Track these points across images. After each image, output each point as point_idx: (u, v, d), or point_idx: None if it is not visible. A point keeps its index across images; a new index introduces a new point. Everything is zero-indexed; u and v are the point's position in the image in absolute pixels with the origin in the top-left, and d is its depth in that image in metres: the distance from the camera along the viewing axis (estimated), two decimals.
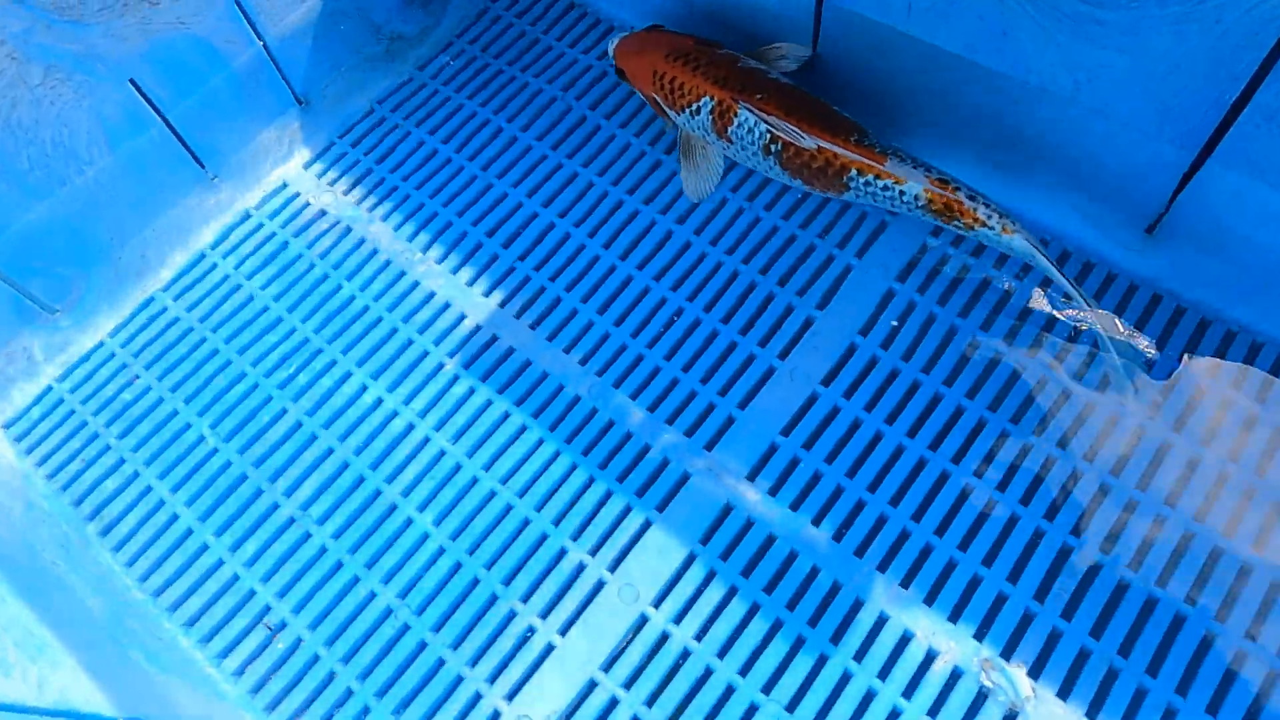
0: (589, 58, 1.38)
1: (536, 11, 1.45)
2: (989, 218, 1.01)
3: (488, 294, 1.21)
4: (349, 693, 0.99)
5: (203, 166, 1.27)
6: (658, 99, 1.19)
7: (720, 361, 1.13)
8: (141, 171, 1.20)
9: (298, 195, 1.32)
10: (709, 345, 1.14)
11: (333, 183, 1.32)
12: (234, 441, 1.14)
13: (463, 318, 1.20)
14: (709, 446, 1.08)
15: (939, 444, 1.04)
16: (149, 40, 1.12)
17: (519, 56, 1.40)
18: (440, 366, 1.17)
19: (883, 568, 0.99)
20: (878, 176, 1.04)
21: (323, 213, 1.30)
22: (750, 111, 1.08)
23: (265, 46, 1.25)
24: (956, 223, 1.03)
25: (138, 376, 1.20)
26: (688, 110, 1.15)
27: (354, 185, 1.32)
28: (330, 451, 1.12)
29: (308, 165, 1.34)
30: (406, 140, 1.34)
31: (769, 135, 1.08)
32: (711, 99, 1.11)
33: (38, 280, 1.16)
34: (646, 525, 1.04)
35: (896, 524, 1.01)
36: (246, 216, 1.31)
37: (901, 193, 1.04)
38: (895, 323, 1.12)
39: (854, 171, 1.05)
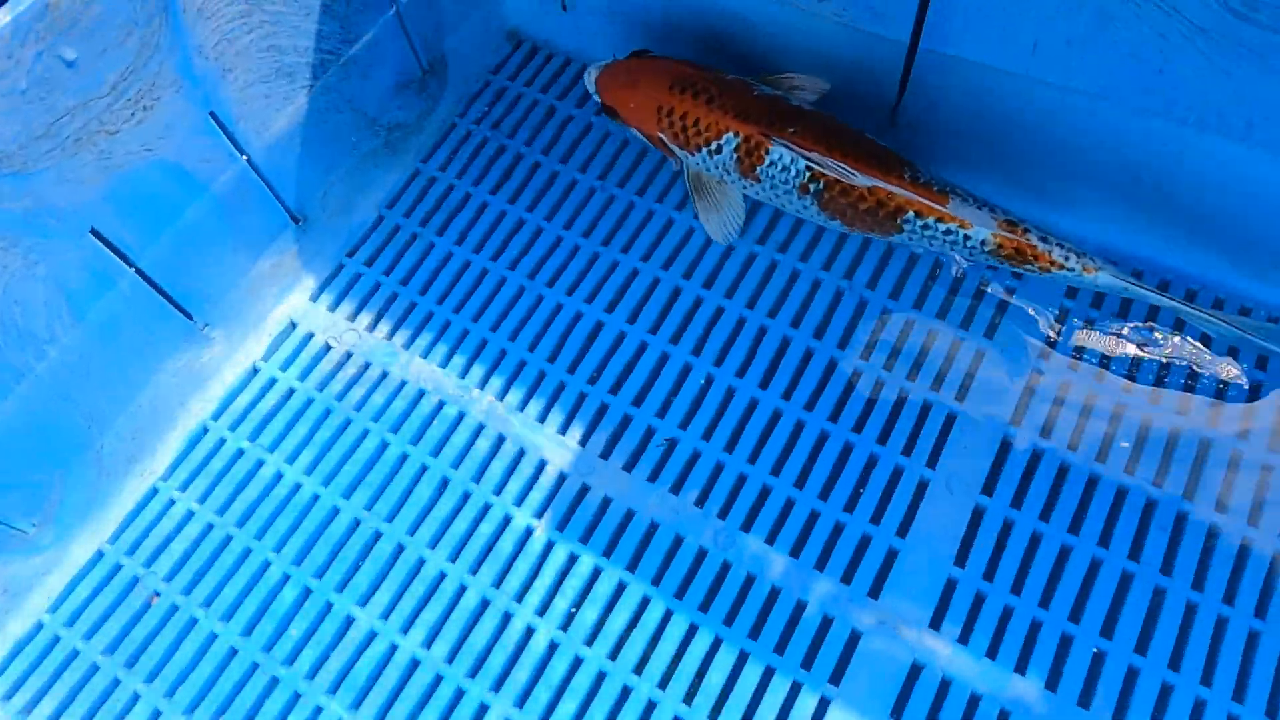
0: (609, 122, 1.17)
1: (544, 77, 1.24)
2: (1066, 259, 0.90)
3: (564, 431, 1.00)
4: None
5: (190, 318, 1.02)
6: (664, 138, 1.01)
7: (862, 481, 0.95)
8: (117, 338, 0.94)
9: (311, 336, 1.07)
10: (844, 462, 0.96)
11: (352, 315, 1.08)
12: (275, 652, 0.90)
13: (543, 465, 0.98)
14: (874, 593, 0.89)
15: (1139, 550, 0.89)
16: (109, 177, 0.87)
17: (532, 132, 1.18)
18: (529, 532, 0.95)
19: (1119, 716, 0.82)
20: (940, 220, 0.92)
21: (347, 354, 1.06)
22: (787, 148, 0.93)
23: (249, 161, 1.01)
24: (1029, 267, 0.92)
25: (157, 594, 0.94)
26: (704, 149, 0.98)
27: (376, 314, 1.08)
28: (416, 664, 0.90)
29: (316, 296, 1.10)
30: (425, 249, 1.11)
31: (809, 174, 0.93)
32: (736, 135, 0.96)
33: (4, 496, 0.90)
34: (824, 705, 0.85)
35: (1118, 661, 0.84)
36: (253, 372, 1.06)
37: (966, 237, 0.92)
38: (1051, 405, 0.96)
39: (911, 214, 0.92)
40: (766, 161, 0.96)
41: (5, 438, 0.87)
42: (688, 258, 1.08)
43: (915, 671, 0.86)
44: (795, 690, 0.86)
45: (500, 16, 1.25)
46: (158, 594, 0.94)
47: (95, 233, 0.88)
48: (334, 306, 1.09)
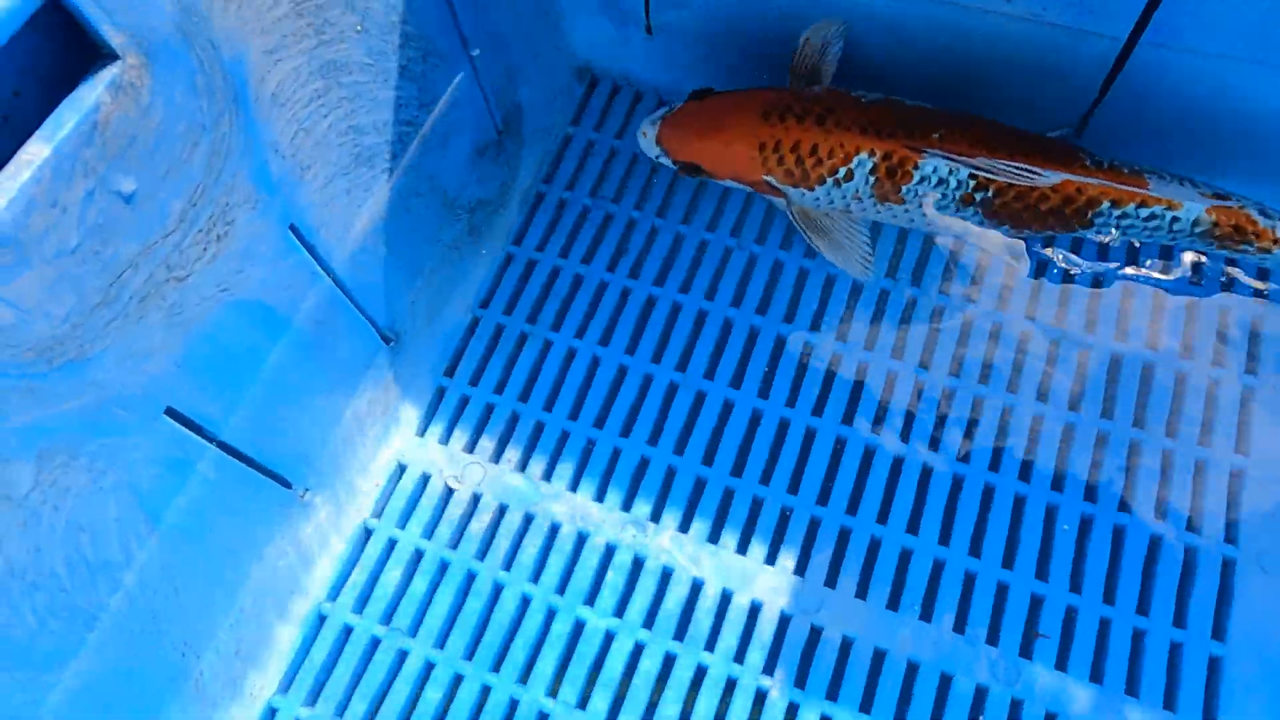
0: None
1: (622, 116, 1.03)
2: None
3: (772, 560, 0.80)
4: None
5: (288, 484, 0.79)
6: (773, 180, 0.83)
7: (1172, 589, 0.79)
8: (203, 534, 0.71)
9: (428, 479, 0.85)
10: (1122, 561, 0.79)
11: (469, 445, 0.87)
12: None
13: (757, 607, 0.79)
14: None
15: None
16: (183, 338, 0.64)
17: (637, 189, 0.98)
18: (762, 695, 0.76)
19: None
20: (1142, 204, 0.79)
21: (475, 497, 0.84)
22: (943, 158, 0.79)
23: (334, 279, 0.78)
24: (1246, 246, 0.80)
25: None
26: (829, 180, 0.81)
27: (499, 440, 0.87)
28: None
29: (423, 430, 0.88)
30: (539, 351, 0.90)
31: (973, 182, 0.79)
32: (871, 155, 0.80)
33: None
34: None
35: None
36: (366, 535, 0.83)
37: (1175, 219, 0.80)
38: None
39: (1106, 204, 0.79)
40: (916, 178, 0.80)
41: (80, 699, 0.63)
42: (857, 314, 0.89)
43: None
44: None
45: (569, 50, 1.04)
46: None
47: (172, 412, 0.65)
48: (446, 438, 0.87)
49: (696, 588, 0.80)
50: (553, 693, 0.76)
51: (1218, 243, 0.80)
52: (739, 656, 0.77)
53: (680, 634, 0.78)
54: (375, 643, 0.78)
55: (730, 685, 0.76)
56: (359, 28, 0.70)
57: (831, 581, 0.79)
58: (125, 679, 0.66)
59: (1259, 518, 0.78)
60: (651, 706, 0.75)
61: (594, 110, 1.03)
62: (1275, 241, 0.79)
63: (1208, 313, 0.87)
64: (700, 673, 0.76)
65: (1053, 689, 0.74)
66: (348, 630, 0.79)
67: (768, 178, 0.83)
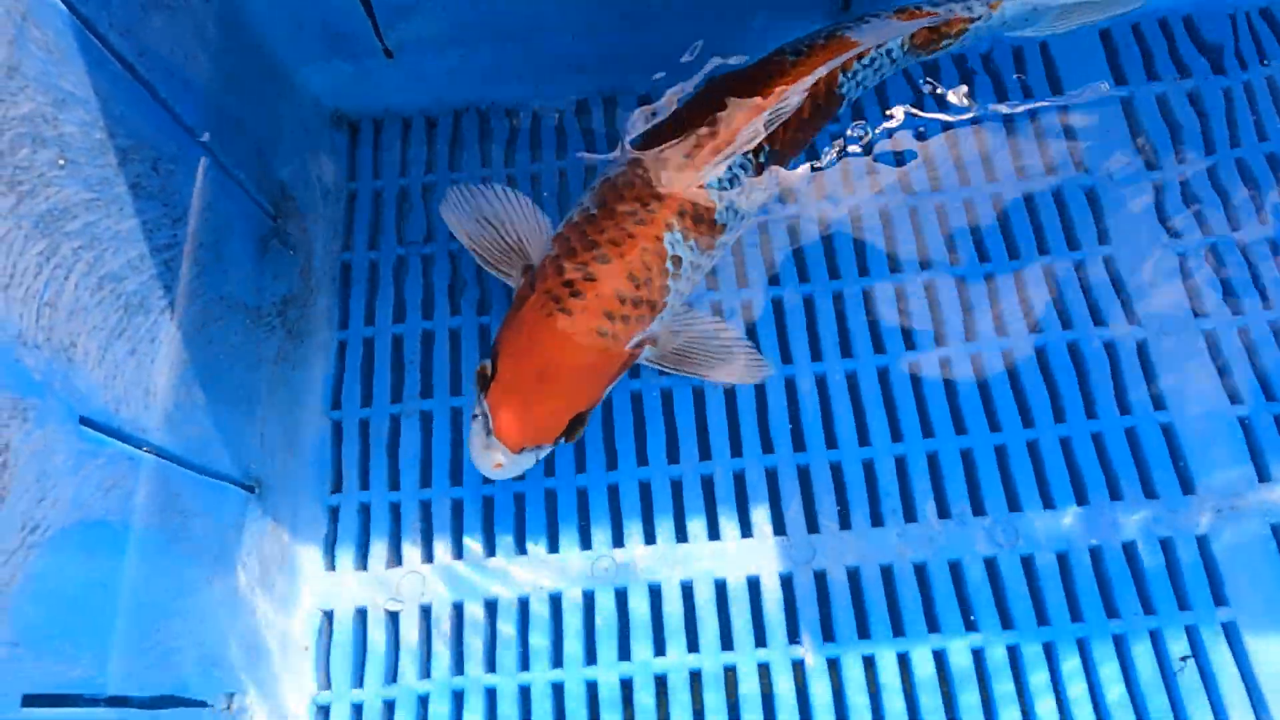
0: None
1: (399, 153, 0.93)
2: (970, 9, 0.83)
3: (748, 533, 0.76)
4: None
5: (204, 705, 0.66)
6: (636, 338, 0.72)
7: None
8: None
9: (365, 614, 0.74)
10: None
11: (392, 558, 0.77)
12: None
13: (755, 582, 0.74)
14: None
15: None
16: (4, 612, 0.50)
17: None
18: (799, 664, 0.71)
19: None
20: (859, 57, 0.81)
21: (425, 610, 0.74)
22: (720, 163, 0.74)
23: (159, 454, 0.65)
24: (947, 43, 0.84)
25: None
26: (667, 282, 0.73)
27: (421, 539, 0.77)
28: None
29: (333, 564, 0.77)
30: (418, 429, 0.81)
31: (751, 156, 0.77)
32: (670, 228, 0.72)
33: None
34: None
35: None
36: (325, 715, 0.71)
37: (889, 51, 0.82)
38: None
39: (841, 77, 0.80)
40: (719, 201, 0.74)
41: None
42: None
43: None
44: None
45: (314, 102, 0.93)
46: None
47: (34, 699, 0.51)
48: (363, 561, 0.77)
49: (688, 591, 0.74)
50: None
51: (926, 51, 0.84)
52: (760, 640, 0.72)
53: (693, 644, 0.72)
54: None
55: (764, 670, 0.71)
56: (61, 162, 0.57)
57: (813, 526, 0.75)
58: None
59: (1150, 299, 0.81)
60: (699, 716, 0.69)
61: (365, 157, 0.93)
62: (964, 23, 0.82)
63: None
64: (730, 672, 0.71)
65: (1050, 529, 0.74)
66: None
67: (631, 344, 0.71)
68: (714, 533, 0.76)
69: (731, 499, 0.77)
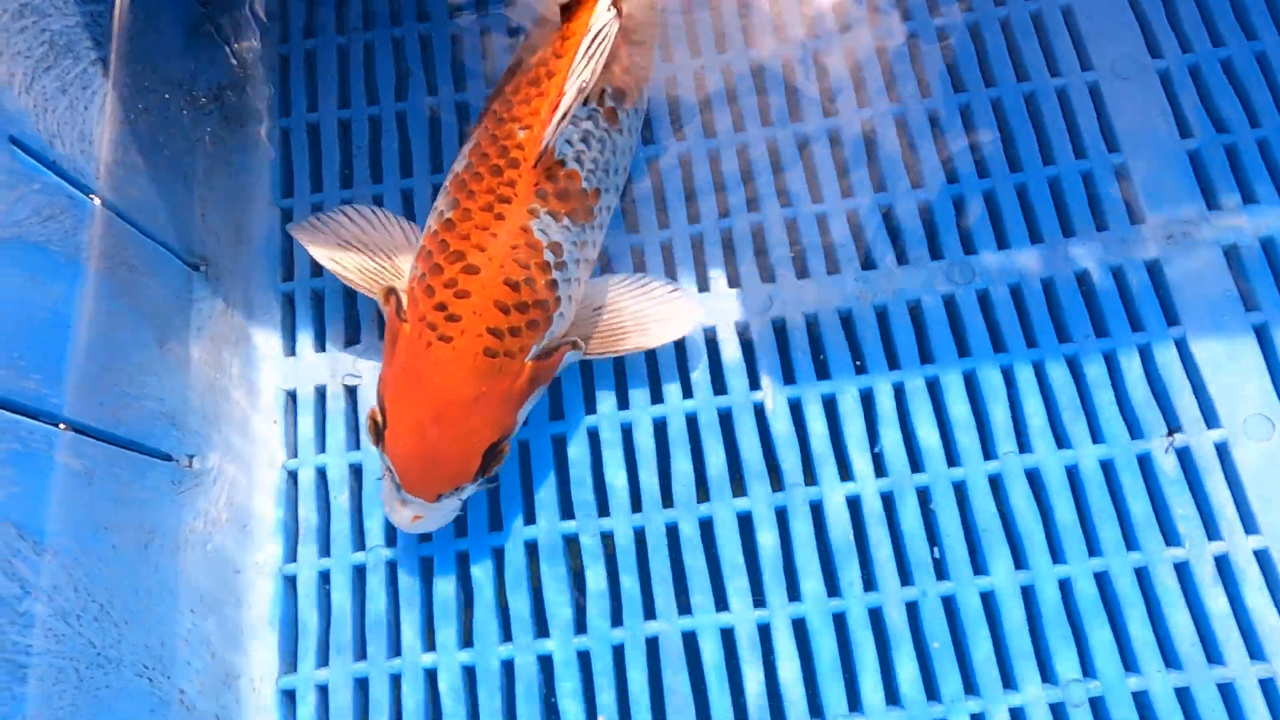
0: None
1: None
2: None
3: (705, 288, 0.77)
4: None
5: (169, 459, 0.67)
6: (537, 348, 0.65)
7: None
8: (103, 539, 0.59)
9: (323, 392, 0.76)
10: None
11: (350, 337, 0.78)
12: None
13: (711, 334, 0.76)
14: None
15: None
16: None
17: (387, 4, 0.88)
18: (759, 408, 0.73)
19: None
20: None
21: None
22: (555, 129, 0.65)
23: (101, 200, 0.65)
24: None
25: None
26: (550, 280, 0.66)
27: (377, 319, 0.78)
28: None
29: (293, 348, 0.78)
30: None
31: (596, 106, 0.69)
32: (533, 213, 0.66)
33: None
34: None
35: None
36: (293, 478, 0.73)
37: None
38: None
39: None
40: (578, 171, 0.67)
41: None
42: None
43: None
44: None
45: None
46: None
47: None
48: (320, 344, 0.78)
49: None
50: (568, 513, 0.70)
51: None
52: (720, 388, 0.74)
53: (657, 397, 0.73)
54: (362, 575, 0.69)
55: (725, 418, 0.73)
56: None
57: (767, 277, 0.77)
58: None
59: (1098, 35, 0.82)
60: (665, 477, 0.71)
61: None
62: None
63: None
64: (691, 419, 0.73)
65: (1005, 266, 0.76)
66: (325, 575, 0.70)
67: (532, 356, 0.64)
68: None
69: (689, 259, 0.78)
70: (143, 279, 0.68)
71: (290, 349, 0.77)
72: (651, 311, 0.70)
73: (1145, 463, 0.69)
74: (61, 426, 0.57)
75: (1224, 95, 0.79)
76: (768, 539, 0.69)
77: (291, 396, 0.76)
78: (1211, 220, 0.75)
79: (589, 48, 0.64)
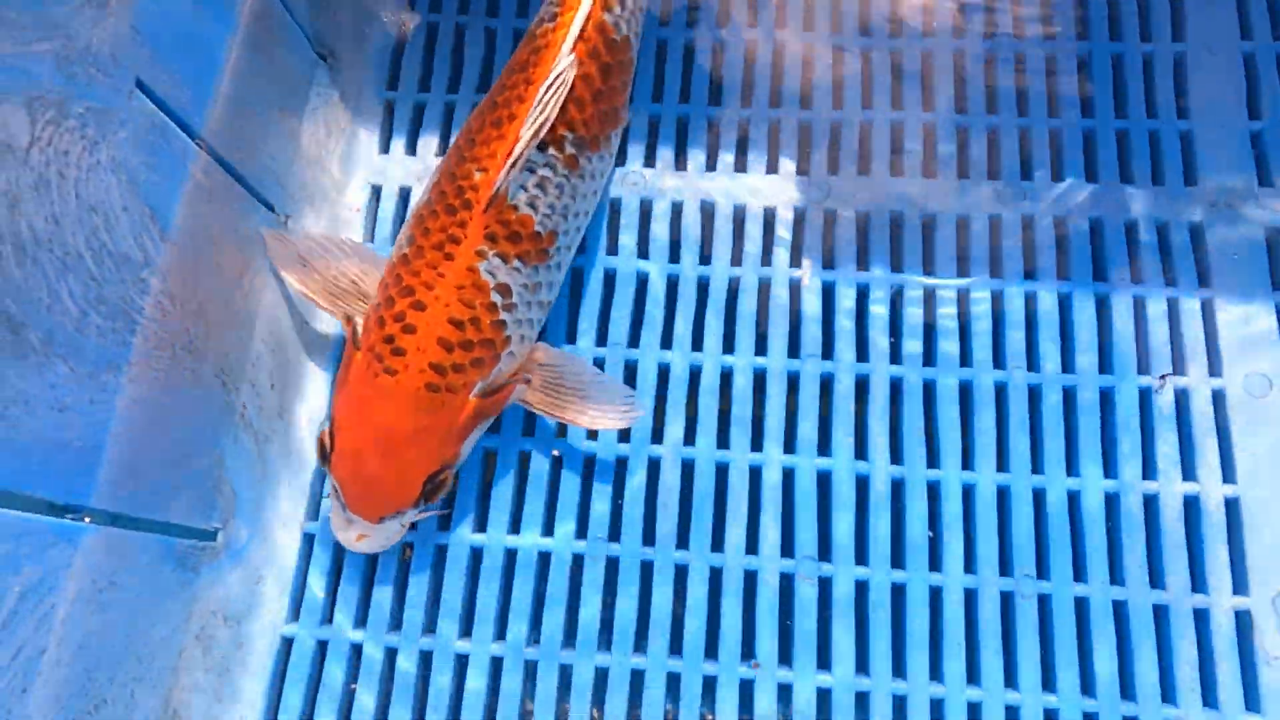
0: None
1: None
2: None
3: (774, 169, 0.84)
4: None
5: (271, 209, 0.76)
6: (481, 385, 0.68)
7: None
8: (210, 253, 0.69)
9: (408, 194, 0.84)
10: None
11: (441, 150, 0.86)
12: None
13: (771, 212, 0.83)
14: None
15: None
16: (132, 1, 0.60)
17: None
18: (795, 284, 0.80)
19: None
20: (606, 7, 0.73)
21: None
22: (508, 173, 0.67)
23: None
24: None
25: (410, 544, 0.73)
26: (503, 317, 0.68)
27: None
28: None
29: (387, 147, 0.87)
30: (482, 43, 0.89)
31: (553, 153, 0.70)
32: (481, 255, 0.67)
33: (174, 501, 0.65)
34: None
35: None
36: None
37: None
38: None
39: (608, 16, 0.73)
40: (532, 216, 0.68)
41: (139, 433, 0.61)
42: None
43: None
44: None
45: None
46: (411, 544, 0.73)
47: (143, 87, 0.61)
48: (412, 149, 0.86)
49: (709, 209, 0.82)
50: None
51: None
52: (765, 260, 0.80)
53: (705, 258, 0.81)
54: None
55: (764, 285, 0.80)
56: None
57: (834, 168, 0.83)
58: (176, 397, 0.65)
59: (1196, 10, 0.85)
60: (699, 326, 0.78)
61: None
62: None
63: None
64: (734, 283, 0.80)
65: (1058, 197, 0.81)
66: None
67: (476, 392, 0.66)
68: (740, 166, 0.84)
69: (764, 140, 0.84)
70: (279, 50, 0.77)
71: (385, 148, 0.86)
72: (605, 392, 0.71)
73: (1145, 396, 0.74)
74: (198, 145, 0.67)
75: None
76: (775, 393, 0.76)
77: (377, 191, 0.85)
78: (1260, 199, 0.79)
79: (544, 94, 0.66)
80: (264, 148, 0.76)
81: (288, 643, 0.72)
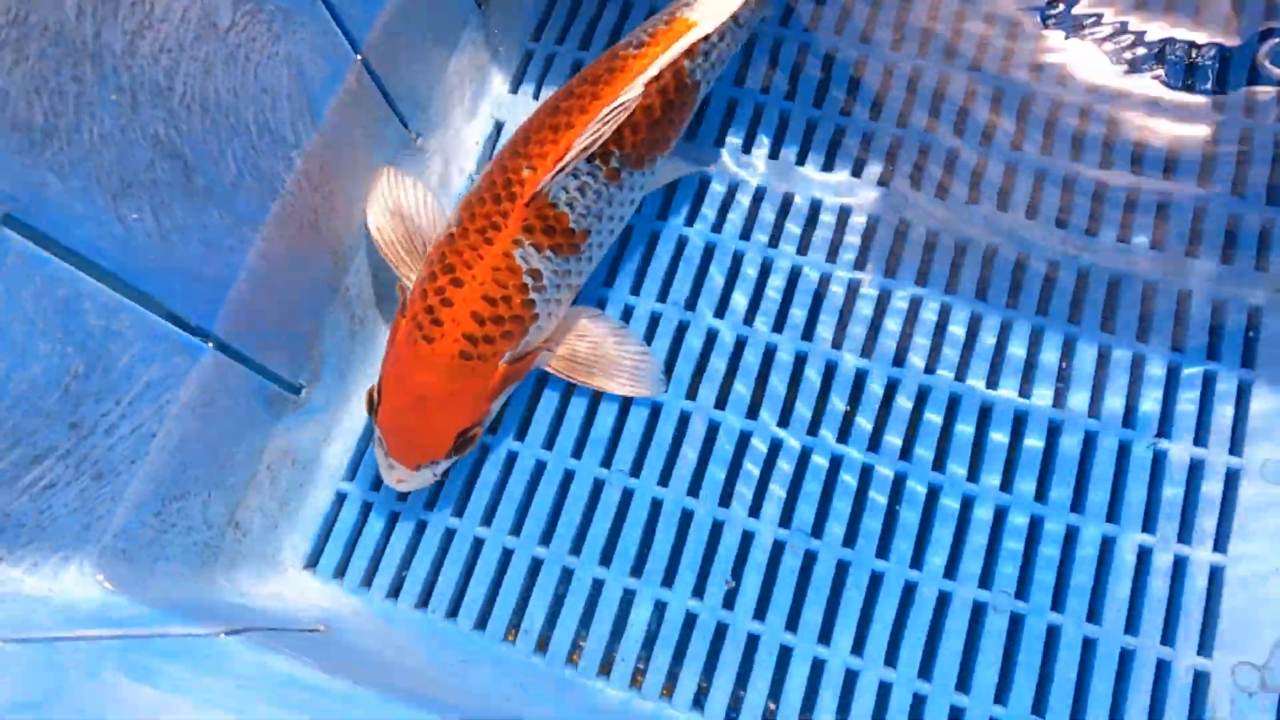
0: None
1: None
2: None
3: (858, 174, 0.90)
4: None
5: (405, 126, 0.88)
6: (509, 354, 0.75)
7: None
8: (348, 145, 0.80)
9: None
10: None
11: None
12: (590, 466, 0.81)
13: (847, 212, 0.89)
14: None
15: None
16: None
17: None
18: (855, 285, 0.86)
19: None
20: (706, 38, 0.79)
21: None
22: (554, 177, 0.73)
23: None
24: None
25: None
26: (531, 297, 0.75)
27: None
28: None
29: (516, 89, 0.96)
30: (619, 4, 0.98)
31: (598, 163, 0.75)
32: (518, 242, 0.74)
33: (272, 353, 0.77)
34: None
35: None
36: (469, 184, 0.93)
37: (736, 20, 0.82)
38: None
39: (690, 64, 0.79)
40: (568, 214, 0.75)
41: (263, 273, 0.73)
42: None
43: None
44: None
45: None
46: None
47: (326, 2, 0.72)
48: (536, 95, 0.96)
49: (788, 202, 0.89)
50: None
51: (754, 12, 0.85)
52: (831, 257, 0.87)
53: (774, 242, 0.88)
54: None
55: (824, 279, 0.86)
56: None
57: (916, 185, 0.89)
58: (295, 263, 0.77)
59: None
60: (755, 301, 0.86)
61: None
62: None
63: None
64: (795, 273, 0.87)
65: (1119, 253, 0.84)
66: None
67: (505, 360, 0.74)
68: (828, 165, 0.91)
69: (855, 146, 0.91)
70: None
71: (514, 89, 0.97)
72: (623, 364, 0.80)
73: (1160, 458, 0.78)
74: (358, 56, 0.78)
75: None
76: (811, 376, 0.83)
77: (499, 127, 0.95)
78: None
79: (605, 115, 0.72)
80: (411, 71, 0.87)
81: (340, 497, 0.84)
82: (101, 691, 0.49)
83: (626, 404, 0.83)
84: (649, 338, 0.85)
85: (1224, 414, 0.79)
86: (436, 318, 0.72)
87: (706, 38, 0.79)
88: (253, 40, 0.66)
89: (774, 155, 0.92)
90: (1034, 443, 0.80)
